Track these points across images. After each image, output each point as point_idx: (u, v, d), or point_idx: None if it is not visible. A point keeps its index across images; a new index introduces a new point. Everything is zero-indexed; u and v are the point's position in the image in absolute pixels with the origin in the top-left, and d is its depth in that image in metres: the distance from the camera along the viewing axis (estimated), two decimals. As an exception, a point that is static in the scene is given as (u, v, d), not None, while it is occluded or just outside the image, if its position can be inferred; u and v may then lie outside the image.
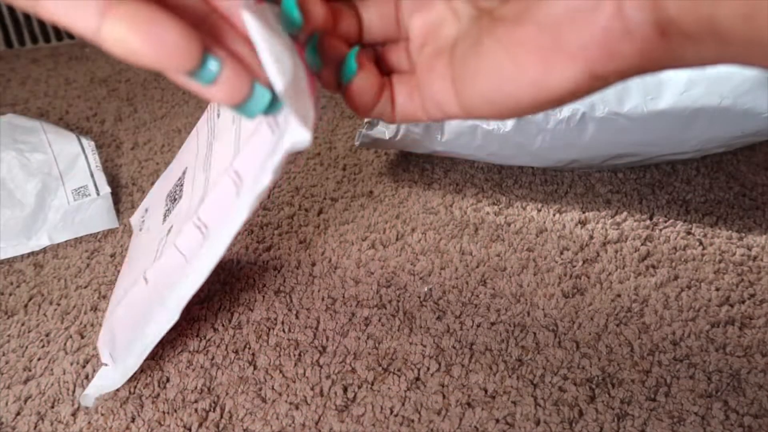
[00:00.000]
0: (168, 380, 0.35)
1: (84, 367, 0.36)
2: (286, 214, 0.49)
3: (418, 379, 0.34)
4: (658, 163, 0.53)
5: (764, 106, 0.41)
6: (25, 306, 0.41)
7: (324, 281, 0.42)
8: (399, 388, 0.34)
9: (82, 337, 0.38)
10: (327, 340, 0.37)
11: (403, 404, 0.33)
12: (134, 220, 0.47)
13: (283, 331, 0.38)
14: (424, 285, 0.41)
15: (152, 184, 0.52)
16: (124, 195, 0.53)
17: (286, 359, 0.36)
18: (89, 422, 0.33)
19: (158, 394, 0.34)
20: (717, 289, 0.40)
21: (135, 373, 0.35)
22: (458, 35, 0.24)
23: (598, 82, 0.20)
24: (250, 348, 0.37)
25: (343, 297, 0.40)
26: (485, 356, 0.35)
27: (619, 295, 0.39)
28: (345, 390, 0.34)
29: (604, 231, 0.45)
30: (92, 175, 0.50)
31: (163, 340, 0.37)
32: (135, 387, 0.34)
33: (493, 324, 0.38)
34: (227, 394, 0.34)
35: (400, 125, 0.48)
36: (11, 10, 0.89)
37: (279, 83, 0.20)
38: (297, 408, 0.33)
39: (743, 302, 0.39)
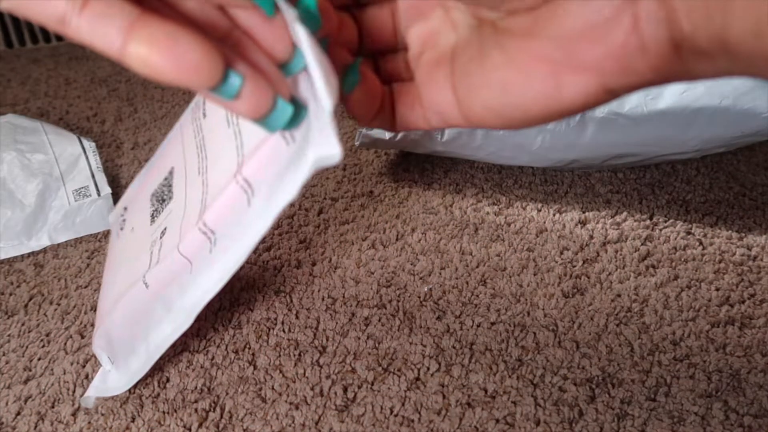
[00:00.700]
0: (168, 380, 0.35)
1: (84, 367, 0.36)
2: (286, 214, 0.49)
3: (418, 379, 0.34)
4: (658, 163, 0.53)
5: (764, 106, 0.41)
6: (26, 306, 0.41)
7: (324, 281, 0.42)
8: (399, 388, 0.34)
9: (83, 337, 0.38)
10: (327, 340, 0.37)
11: (403, 404, 0.33)
12: (112, 218, 0.45)
13: (283, 331, 0.38)
14: (424, 285, 0.41)
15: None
16: (124, 195, 0.53)
17: (286, 359, 0.36)
18: (89, 422, 0.33)
19: (158, 394, 0.34)
20: (717, 289, 0.40)
21: (135, 373, 0.35)
22: (457, 44, 0.24)
23: (608, 95, 0.20)
24: (250, 348, 0.37)
25: (343, 297, 0.40)
26: (485, 356, 0.35)
27: (619, 295, 0.39)
28: (345, 390, 0.34)
29: (604, 231, 0.45)
30: (93, 176, 0.50)
31: (163, 340, 0.37)
32: (135, 387, 0.34)
33: (493, 324, 0.38)
34: (227, 394, 0.34)
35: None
36: (12, 10, 0.89)
37: (328, 102, 0.20)
38: (297, 408, 0.33)
39: (743, 302, 0.39)
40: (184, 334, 0.37)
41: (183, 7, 0.20)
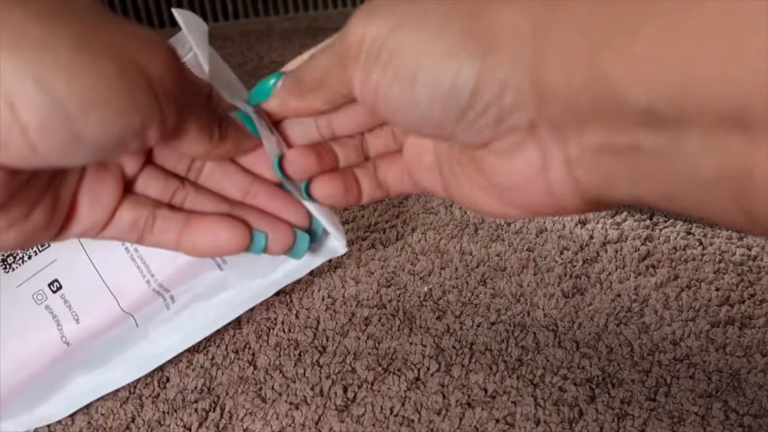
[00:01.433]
0: (168, 380, 0.35)
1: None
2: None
3: (418, 379, 0.34)
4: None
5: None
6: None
7: (324, 281, 0.42)
8: (399, 388, 0.34)
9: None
10: (327, 340, 0.37)
11: (403, 404, 0.33)
12: None
13: (283, 331, 0.38)
14: (424, 285, 0.41)
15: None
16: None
17: (286, 359, 0.36)
18: (89, 422, 0.33)
19: (158, 394, 0.34)
20: (717, 289, 0.40)
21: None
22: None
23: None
24: (250, 348, 0.37)
25: (343, 297, 0.40)
26: (485, 356, 0.35)
27: (619, 295, 0.39)
28: (345, 390, 0.34)
29: (604, 231, 0.45)
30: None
31: (163, 340, 0.37)
32: (135, 387, 0.34)
33: (493, 324, 0.38)
34: (227, 394, 0.34)
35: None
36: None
37: (342, 245, 0.29)
38: (297, 408, 0.33)
39: (743, 302, 0.39)
40: (184, 334, 0.38)
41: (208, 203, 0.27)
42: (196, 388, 0.34)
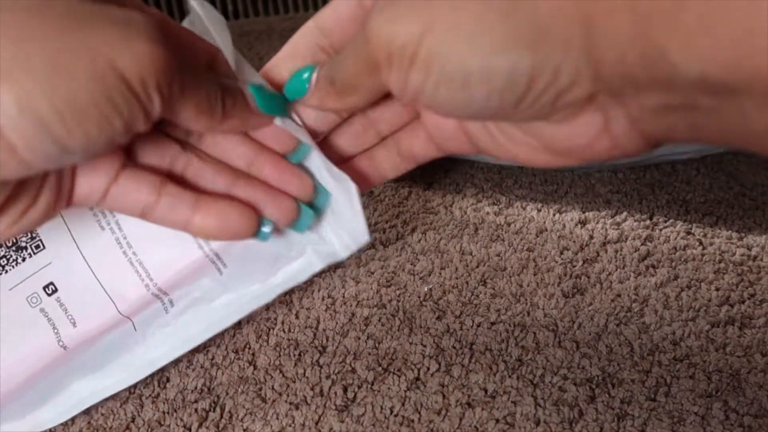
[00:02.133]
0: (168, 380, 0.35)
1: (84, 367, 0.36)
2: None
3: (418, 379, 0.34)
4: (658, 163, 0.53)
5: (764, 106, 0.41)
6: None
7: (324, 281, 0.42)
8: (399, 388, 0.34)
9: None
10: (327, 340, 0.37)
11: (403, 404, 0.33)
12: None
13: (283, 331, 0.38)
14: (424, 285, 0.41)
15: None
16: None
17: (286, 359, 0.36)
18: (89, 422, 0.33)
19: (158, 394, 0.34)
20: (717, 289, 0.40)
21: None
22: None
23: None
24: (250, 348, 0.37)
25: (343, 297, 0.40)
26: (485, 356, 0.35)
27: (619, 295, 0.39)
28: (345, 390, 0.34)
29: (604, 231, 0.45)
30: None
31: (163, 340, 0.37)
32: (135, 387, 0.34)
33: (493, 324, 0.38)
34: (227, 394, 0.34)
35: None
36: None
37: (345, 246, 0.30)
38: (297, 408, 0.33)
39: (743, 302, 0.39)
40: (184, 334, 0.38)
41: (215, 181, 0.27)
42: (196, 388, 0.34)
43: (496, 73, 0.18)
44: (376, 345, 0.36)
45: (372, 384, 0.34)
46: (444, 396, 0.33)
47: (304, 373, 0.35)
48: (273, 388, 0.34)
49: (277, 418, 0.32)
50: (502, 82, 0.18)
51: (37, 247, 0.33)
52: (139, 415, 0.33)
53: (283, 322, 0.38)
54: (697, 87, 0.16)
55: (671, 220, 0.47)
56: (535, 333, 0.37)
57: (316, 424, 0.32)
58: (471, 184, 0.52)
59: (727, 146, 0.19)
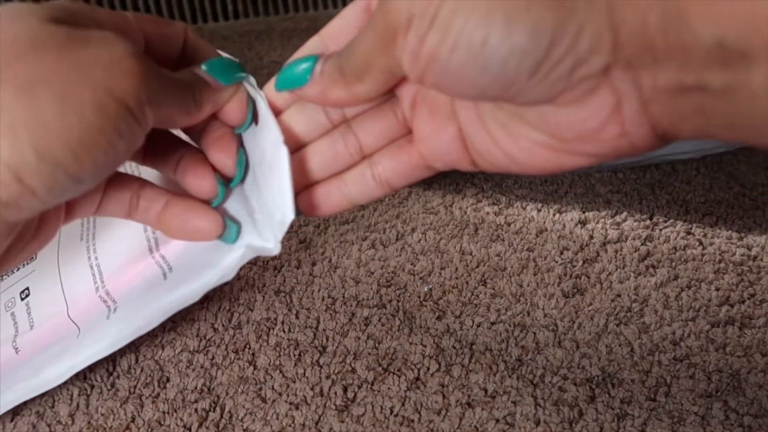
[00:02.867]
0: (168, 380, 0.35)
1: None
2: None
3: (418, 379, 0.34)
4: (658, 163, 0.53)
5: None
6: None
7: (324, 281, 0.42)
8: (399, 388, 0.34)
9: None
10: (327, 340, 0.37)
11: (403, 404, 0.33)
12: None
13: (283, 331, 0.38)
14: (424, 285, 0.41)
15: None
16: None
17: (286, 359, 0.36)
18: (89, 422, 0.33)
19: (158, 394, 0.34)
20: (717, 289, 0.40)
21: (135, 373, 0.35)
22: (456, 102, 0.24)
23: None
24: (250, 348, 0.37)
25: (343, 297, 0.40)
26: (485, 356, 0.35)
27: (619, 295, 0.39)
28: (345, 390, 0.34)
29: (604, 231, 0.45)
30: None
31: (162, 340, 0.37)
32: (135, 387, 0.34)
33: (493, 324, 0.38)
34: (227, 394, 0.34)
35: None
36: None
37: (272, 238, 0.27)
38: (297, 408, 0.33)
39: (743, 302, 0.39)
40: (184, 334, 0.38)
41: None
42: (196, 388, 0.34)
43: (518, 34, 0.18)
44: (376, 345, 0.36)
45: (372, 384, 0.34)
46: (444, 396, 0.33)
47: (304, 373, 0.35)
48: (273, 388, 0.34)
49: (277, 418, 0.32)
50: (523, 43, 0.18)
51: (32, 258, 0.33)
52: (139, 415, 0.33)
53: (283, 322, 0.38)
54: (712, 56, 0.16)
55: (671, 220, 0.47)
56: (535, 333, 0.37)
57: (316, 424, 0.32)
58: (471, 184, 0.52)
59: (731, 140, 0.19)
